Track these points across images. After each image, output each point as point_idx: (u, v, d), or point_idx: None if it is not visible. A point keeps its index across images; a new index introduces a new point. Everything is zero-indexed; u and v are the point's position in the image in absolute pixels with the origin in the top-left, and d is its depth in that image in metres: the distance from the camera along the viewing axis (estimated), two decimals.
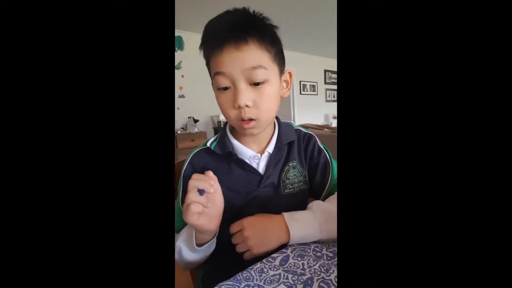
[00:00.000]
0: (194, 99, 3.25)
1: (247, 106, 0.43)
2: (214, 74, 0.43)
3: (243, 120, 0.44)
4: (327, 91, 5.15)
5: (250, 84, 0.43)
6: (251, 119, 0.44)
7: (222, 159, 0.51)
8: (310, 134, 0.58)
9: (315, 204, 0.47)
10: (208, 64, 0.46)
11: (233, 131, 0.54)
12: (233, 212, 0.49)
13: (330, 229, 0.43)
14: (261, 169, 0.52)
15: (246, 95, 0.43)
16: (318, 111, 5.01)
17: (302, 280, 0.33)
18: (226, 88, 0.43)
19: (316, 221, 0.43)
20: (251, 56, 0.42)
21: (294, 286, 0.32)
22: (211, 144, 0.52)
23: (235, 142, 0.52)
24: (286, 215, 0.45)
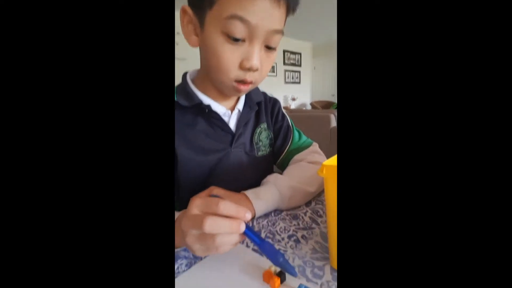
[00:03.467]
0: None
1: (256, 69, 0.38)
2: (230, 16, 0.34)
3: (242, 82, 0.39)
4: (286, 72, 5.25)
5: (265, 46, 0.38)
6: (250, 82, 0.40)
7: (186, 112, 0.45)
8: (275, 98, 0.59)
9: (279, 181, 0.45)
10: None
11: (198, 83, 0.47)
12: (200, 175, 0.46)
13: (292, 202, 0.44)
14: (231, 127, 0.48)
15: (259, 57, 0.38)
16: (277, 93, 5.10)
17: None
18: (237, 40, 0.35)
19: (280, 198, 0.43)
20: (281, 18, 0.37)
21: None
22: None
23: (203, 96, 0.46)
24: (250, 194, 0.41)
